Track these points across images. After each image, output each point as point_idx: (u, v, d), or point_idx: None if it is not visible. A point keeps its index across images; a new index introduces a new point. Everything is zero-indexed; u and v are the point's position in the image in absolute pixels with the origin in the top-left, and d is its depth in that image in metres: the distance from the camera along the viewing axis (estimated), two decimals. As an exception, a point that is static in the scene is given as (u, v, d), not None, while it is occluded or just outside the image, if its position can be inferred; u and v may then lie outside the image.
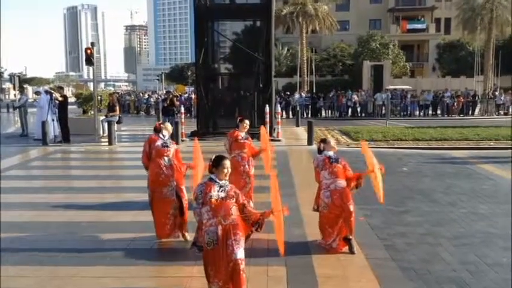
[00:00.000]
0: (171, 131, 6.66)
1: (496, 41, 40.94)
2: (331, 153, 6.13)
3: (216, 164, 4.41)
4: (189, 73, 64.74)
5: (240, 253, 4.24)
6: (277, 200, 4.63)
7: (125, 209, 7.92)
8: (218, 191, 4.35)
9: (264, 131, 8.51)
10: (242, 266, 4.22)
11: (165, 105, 19.79)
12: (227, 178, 4.47)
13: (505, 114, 31.92)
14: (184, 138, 17.00)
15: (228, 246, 4.25)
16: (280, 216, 4.53)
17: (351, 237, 5.88)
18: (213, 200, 4.30)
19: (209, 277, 4.36)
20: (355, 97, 31.70)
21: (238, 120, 7.83)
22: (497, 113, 31.81)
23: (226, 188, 4.40)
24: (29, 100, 22.22)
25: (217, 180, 4.39)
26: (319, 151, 6.28)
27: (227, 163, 4.44)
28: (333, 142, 6.30)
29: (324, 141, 6.32)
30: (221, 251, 4.25)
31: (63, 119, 16.73)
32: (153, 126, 6.80)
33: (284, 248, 4.58)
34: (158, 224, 6.32)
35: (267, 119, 17.03)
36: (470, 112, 32.02)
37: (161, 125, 6.64)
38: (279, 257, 5.57)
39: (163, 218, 6.29)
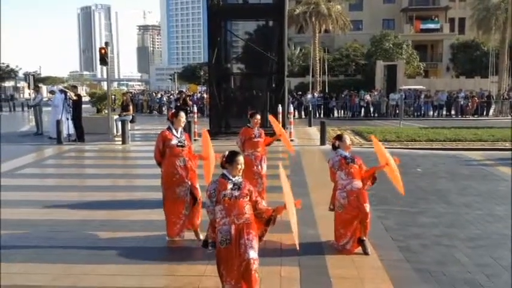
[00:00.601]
0: (184, 122, 6.54)
1: (511, 41, 40.45)
2: (346, 152, 6.07)
3: (229, 159, 4.38)
4: (202, 73, 64.91)
5: (252, 253, 4.21)
6: (288, 194, 4.61)
7: (138, 207, 7.95)
8: (232, 189, 4.33)
9: (272, 118, 8.60)
10: (255, 266, 4.19)
11: (178, 104, 19.88)
12: (240, 174, 4.43)
13: (520, 115, 31.56)
14: (196, 138, 17.04)
15: (241, 245, 4.23)
16: (292, 210, 4.51)
17: (365, 238, 5.84)
18: (226, 198, 4.29)
19: (222, 276, 4.36)
20: (367, 97, 31.54)
21: (249, 115, 7.67)
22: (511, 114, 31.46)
23: (241, 186, 4.37)
24: (44, 99, 22.44)
25: (231, 177, 4.37)
26: (334, 147, 6.22)
27: (241, 159, 4.41)
28: (348, 141, 6.17)
29: (339, 138, 6.17)
30: (234, 250, 4.24)
31: (77, 118, 16.87)
32: (164, 126, 6.68)
33: (299, 244, 4.57)
34: (169, 223, 6.30)
35: (280, 119, 17.00)
36: (484, 113, 31.68)
37: (174, 116, 6.43)
38: (293, 257, 5.57)
39: (175, 218, 6.27)
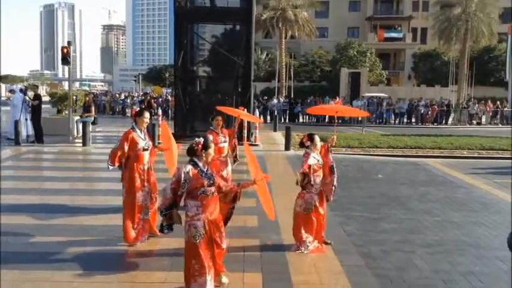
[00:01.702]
0: (147, 122, 6.44)
1: (471, 52, 41.83)
2: (315, 154, 6.13)
3: (206, 147, 4.47)
4: (167, 75, 64.28)
5: (225, 244, 4.60)
6: (257, 170, 4.76)
7: (98, 212, 7.76)
8: (209, 186, 4.43)
9: (226, 108, 8.61)
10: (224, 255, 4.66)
11: (143, 106, 19.57)
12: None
13: (478, 123, 32.65)
14: (160, 140, 16.82)
15: (216, 238, 4.49)
16: (263, 184, 4.69)
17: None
18: (204, 195, 4.40)
19: (193, 272, 4.40)
20: (332, 103, 31.92)
21: (210, 118, 7.47)
22: (470, 123, 32.47)
23: (214, 181, 4.50)
24: (2, 98, 21.71)
25: (203, 169, 4.46)
26: (302, 144, 6.31)
27: (213, 147, 4.62)
28: (319, 143, 6.20)
29: (311, 138, 6.15)
30: (207, 243, 4.43)
31: (36, 118, 16.37)
32: (127, 128, 6.56)
33: (274, 213, 4.74)
34: (127, 228, 6.17)
35: (245, 124, 17.00)
36: (444, 121, 32.60)
37: (138, 115, 6.35)
38: (255, 264, 5.56)
39: (132, 223, 6.19)
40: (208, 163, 4.59)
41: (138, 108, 6.90)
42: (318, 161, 6.11)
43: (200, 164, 4.46)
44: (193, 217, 4.39)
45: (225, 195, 4.76)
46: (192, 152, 4.50)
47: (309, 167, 5.99)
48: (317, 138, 6.17)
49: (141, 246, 6.16)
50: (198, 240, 4.35)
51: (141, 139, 6.22)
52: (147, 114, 6.36)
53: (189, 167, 4.42)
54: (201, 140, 4.50)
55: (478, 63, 41.16)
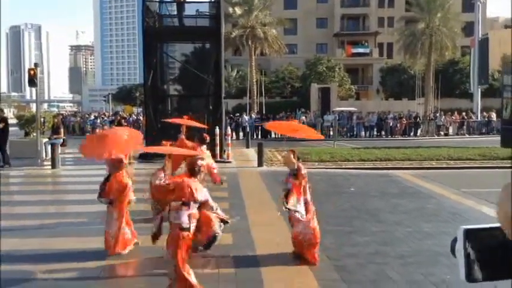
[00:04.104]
0: None
1: (436, 65, 43.03)
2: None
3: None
4: (137, 94, 63.80)
5: None
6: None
7: (70, 235, 7.60)
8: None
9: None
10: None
11: (113, 126, 19.35)
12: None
13: (445, 135, 33.46)
14: (131, 161, 16.62)
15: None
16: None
17: None
18: None
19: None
20: (303, 118, 32.25)
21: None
22: (437, 134, 33.24)
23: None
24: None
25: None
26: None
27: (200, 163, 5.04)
28: (292, 157, 6.36)
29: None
30: None
31: (2, 142, 15.95)
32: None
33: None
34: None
35: (217, 141, 16.99)
36: (412, 133, 33.30)
37: None
38: (230, 283, 5.54)
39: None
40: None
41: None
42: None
43: None
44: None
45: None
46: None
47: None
48: (288, 153, 6.44)
49: (119, 269, 6.06)
50: None
51: None
52: None
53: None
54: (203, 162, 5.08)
55: (443, 76, 42.32)
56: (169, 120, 8.51)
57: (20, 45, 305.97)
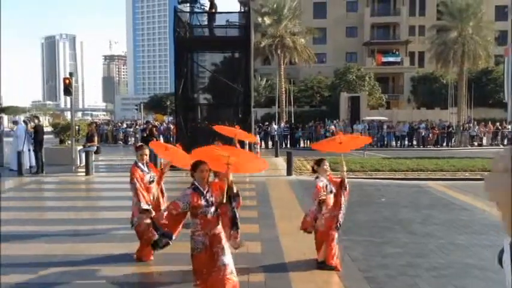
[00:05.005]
0: (147, 156, 6.63)
1: (469, 74, 42.22)
2: (323, 178, 6.21)
3: (194, 167, 4.78)
4: (168, 103, 64.73)
5: (224, 259, 4.65)
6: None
7: (101, 241, 7.75)
8: (206, 207, 4.67)
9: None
10: (228, 271, 4.62)
11: (145, 135, 19.69)
12: (207, 183, 4.82)
13: (479, 145, 32.70)
14: (164, 170, 16.85)
15: (214, 253, 4.68)
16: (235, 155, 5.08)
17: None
18: (202, 215, 4.68)
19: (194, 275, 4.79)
20: (332, 127, 32.08)
21: (135, 149, 7.07)
22: (471, 144, 32.52)
23: (212, 203, 4.72)
24: (5, 129, 21.88)
25: (202, 190, 4.70)
26: (313, 171, 6.46)
27: (205, 167, 4.78)
28: (326, 165, 6.35)
29: (318, 163, 6.38)
30: (205, 257, 4.67)
31: (36, 149, 16.41)
32: (130, 157, 6.74)
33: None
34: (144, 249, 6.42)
35: (247, 149, 17.06)
36: (445, 143, 32.67)
37: (137, 150, 6.58)
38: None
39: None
40: (209, 184, 4.83)
41: (138, 144, 7.14)
42: (327, 185, 6.22)
43: (200, 187, 4.73)
44: (195, 232, 4.72)
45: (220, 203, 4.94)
46: (191, 175, 4.86)
47: (320, 190, 6.13)
48: (324, 162, 6.34)
49: (147, 274, 6.14)
50: (194, 252, 4.69)
51: (146, 173, 6.39)
52: (146, 151, 6.54)
53: (189, 191, 4.72)
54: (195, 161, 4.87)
55: (476, 85, 41.48)
56: (218, 128, 8.56)
57: (55, 55, 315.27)
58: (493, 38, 41.11)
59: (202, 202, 4.66)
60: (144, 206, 6.29)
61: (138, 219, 6.29)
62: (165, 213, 4.81)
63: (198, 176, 4.76)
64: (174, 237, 5.06)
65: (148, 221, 6.09)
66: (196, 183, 4.75)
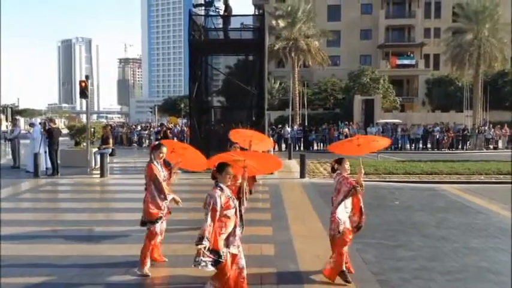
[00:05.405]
0: (163, 156, 6.66)
1: (485, 77, 41.75)
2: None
3: (219, 169, 4.87)
4: (182, 105, 65.10)
5: (243, 261, 4.88)
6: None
7: (116, 242, 7.84)
8: (234, 208, 4.82)
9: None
10: (243, 274, 4.89)
11: (159, 137, 19.83)
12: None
13: (495, 148, 32.31)
14: (176, 171, 16.96)
15: (231, 254, 4.81)
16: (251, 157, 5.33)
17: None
18: (230, 218, 4.80)
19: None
20: (346, 130, 31.98)
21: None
22: (486, 148, 32.15)
23: (236, 205, 4.88)
24: (22, 132, 22.18)
25: (230, 194, 4.83)
26: (333, 170, 6.40)
27: (230, 169, 4.88)
28: (348, 164, 6.32)
29: (339, 161, 6.33)
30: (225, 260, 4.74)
31: (51, 151, 16.60)
32: (144, 159, 6.79)
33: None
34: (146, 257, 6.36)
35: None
36: (460, 146, 32.34)
37: (154, 148, 6.58)
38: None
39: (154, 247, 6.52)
40: (228, 186, 4.92)
41: (156, 142, 7.13)
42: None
43: (225, 189, 4.83)
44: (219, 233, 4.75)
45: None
46: (213, 176, 4.92)
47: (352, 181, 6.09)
48: (345, 161, 6.32)
49: (160, 275, 6.19)
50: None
51: (161, 171, 6.46)
52: (164, 149, 6.55)
53: (218, 193, 4.72)
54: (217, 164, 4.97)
55: (492, 88, 41.02)
56: (233, 133, 8.63)
57: (71, 58, 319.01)
58: (509, 40, 40.61)
59: (231, 203, 4.77)
60: (171, 196, 6.49)
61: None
62: (210, 226, 4.58)
63: (224, 178, 4.80)
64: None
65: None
66: (221, 185, 4.80)
